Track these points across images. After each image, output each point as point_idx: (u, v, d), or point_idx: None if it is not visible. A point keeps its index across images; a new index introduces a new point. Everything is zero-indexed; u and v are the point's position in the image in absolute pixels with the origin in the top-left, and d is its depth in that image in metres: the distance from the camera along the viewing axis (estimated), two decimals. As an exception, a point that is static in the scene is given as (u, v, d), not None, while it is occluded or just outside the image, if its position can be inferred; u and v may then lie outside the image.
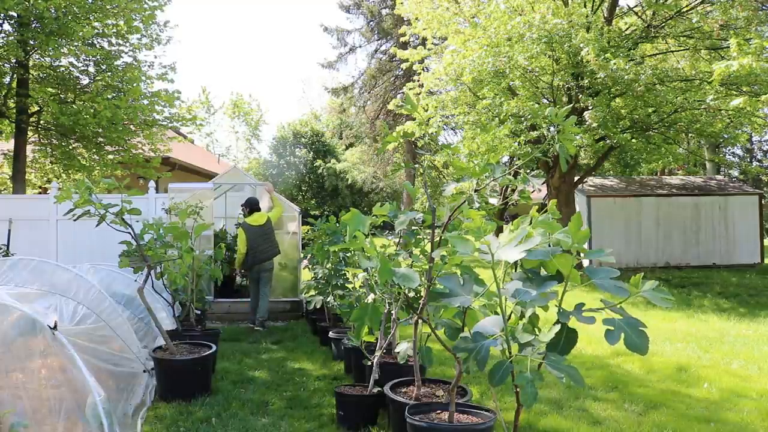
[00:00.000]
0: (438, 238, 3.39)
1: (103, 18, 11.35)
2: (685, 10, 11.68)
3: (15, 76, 11.22)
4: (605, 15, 12.25)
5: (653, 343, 6.63)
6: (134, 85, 11.79)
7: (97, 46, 11.82)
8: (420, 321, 3.50)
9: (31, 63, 11.48)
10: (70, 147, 12.70)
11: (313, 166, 33.58)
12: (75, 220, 4.64)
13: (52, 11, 10.42)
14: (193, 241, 6.38)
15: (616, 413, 4.56)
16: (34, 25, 10.67)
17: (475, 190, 3.24)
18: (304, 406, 4.73)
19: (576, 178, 13.77)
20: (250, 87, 79.41)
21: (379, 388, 4.02)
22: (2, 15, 10.54)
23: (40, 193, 14.28)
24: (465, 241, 2.81)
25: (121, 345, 4.64)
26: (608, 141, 12.19)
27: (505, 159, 13.63)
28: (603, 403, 4.80)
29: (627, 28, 12.72)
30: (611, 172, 18.68)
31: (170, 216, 7.63)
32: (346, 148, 32.98)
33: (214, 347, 5.22)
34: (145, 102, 12.12)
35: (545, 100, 12.88)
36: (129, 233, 4.94)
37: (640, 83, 10.25)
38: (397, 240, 4.43)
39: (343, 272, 6.38)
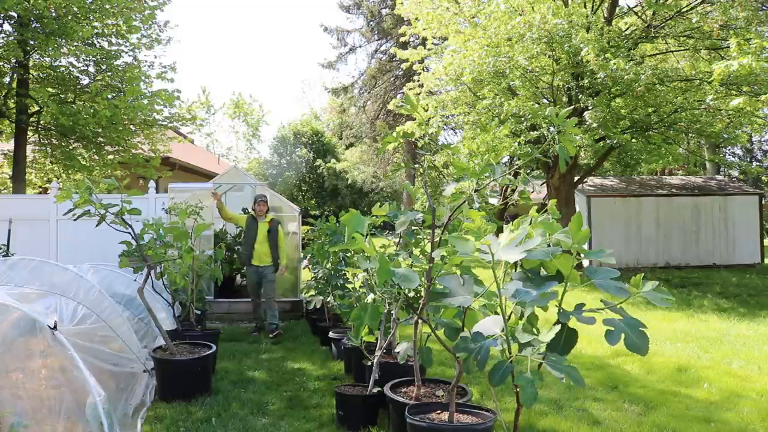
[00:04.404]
0: (438, 239, 3.39)
1: (103, 18, 11.35)
2: (685, 10, 11.68)
3: (15, 76, 11.22)
4: (605, 15, 12.25)
5: (653, 343, 6.63)
6: (134, 84, 11.79)
7: (97, 45, 11.82)
8: (420, 321, 3.50)
9: (31, 63, 11.48)
10: (70, 147, 12.70)
11: (313, 166, 33.58)
12: (75, 220, 4.65)
13: (52, 11, 10.42)
14: (193, 241, 6.38)
15: (616, 413, 4.56)
16: (34, 25, 10.67)
17: (475, 190, 3.24)
18: (304, 406, 4.72)
19: (576, 178, 13.77)
20: (251, 87, 79.53)
21: (379, 388, 4.02)
22: (2, 15, 10.54)
23: (40, 193, 14.28)
24: (465, 242, 2.81)
25: (121, 345, 4.64)
26: (608, 141, 12.18)
27: (505, 159, 13.63)
28: (603, 404, 4.80)
29: (627, 28, 12.71)
30: (611, 172, 18.65)
31: (170, 216, 7.62)
32: (346, 148, 32.97)
33: (214, 347, 5.22)
34: (145, 102, 12.12)
35: (545, 100, 12.87)
36: (129, 233, 4.94)
37: (640, 83, 10.25)
38: (397, 240, 4.43)
39: (343, 272, 6.37)
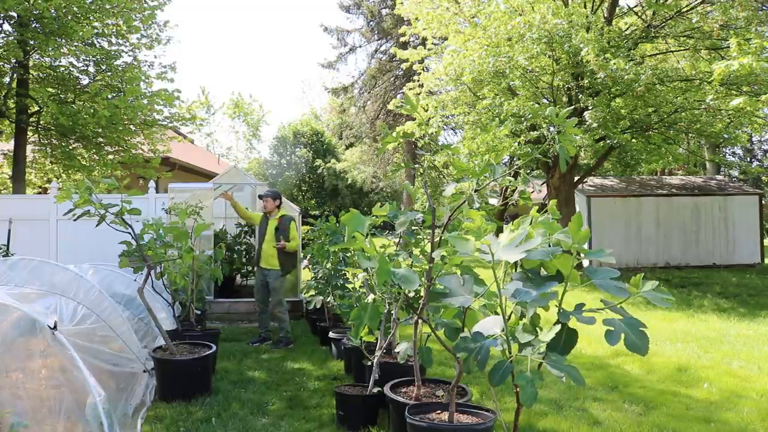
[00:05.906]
0: (438, 238, 3.39)
1: (103, 18, 11.35)
2: (685, 10, 11.68)
3: (15, 76, 11.21)
4: (605, 15, 12.25)
5: (653, 343, 6.63)
6: (134, 84, 11.79)
7: (97, 45, 11.80)
8: (420, 321, 3.50)
9: (31, 63, 11.47)
10: (70, 147, 12.69)
11: (313, 166, 33.59)
12: (75, 220, 4.65)
13: (52, 11, 10.42)
14: (192, 241, 6.37)
15: (616, 413, 4.56)
16: (34, 25, 10.65)
17: (475, 191, 3.24)
18: (304, 406, 4.72)
19: (576, 178, 13.77)
20: (251, 87, 79.55)
21: (379, 388, 4.02)
22: (2, 15, 10.53)
23: (40, 193, 14.27)
24: (465, 242, 2.80)
25: (121, 345, 4.64)
26: (608, 141, 12.19)
27: (505, 159, 13.63)
28: (603, 404, 4.80)
29: (627, 28, 12.72)
30: (611, 172, 18.66)
31: (170, 216, 7.62)
32: (346, 148, 32.99)
33: (214, 347, 5.22)
34: (145, 102, 12.11)
35: (545, 100, 12.88)
36: (129, 233, 4.94)
37: (640, 83, 10.26)
38: (397, 240, 4.43)
39: (343, 272, 6.37)
